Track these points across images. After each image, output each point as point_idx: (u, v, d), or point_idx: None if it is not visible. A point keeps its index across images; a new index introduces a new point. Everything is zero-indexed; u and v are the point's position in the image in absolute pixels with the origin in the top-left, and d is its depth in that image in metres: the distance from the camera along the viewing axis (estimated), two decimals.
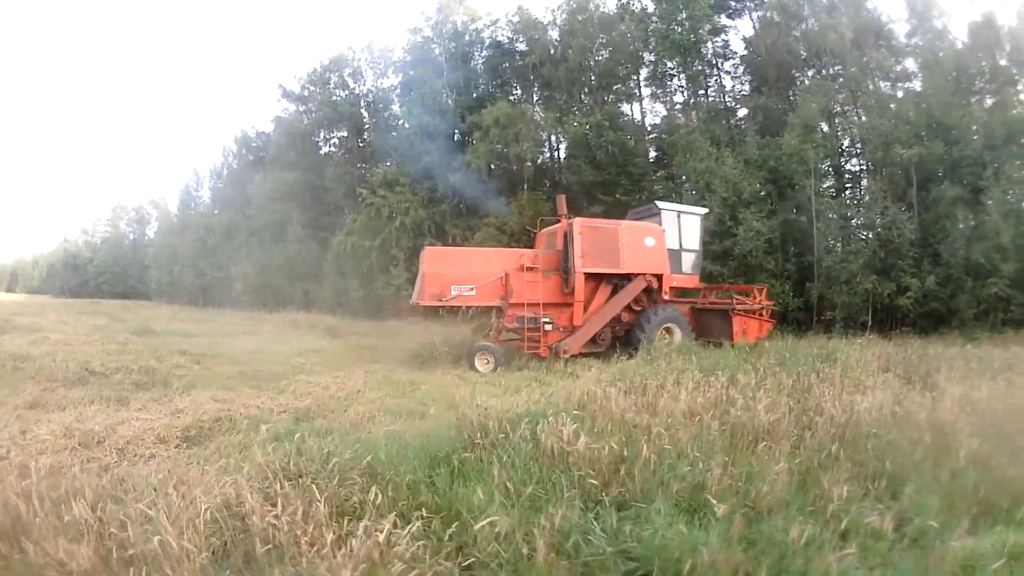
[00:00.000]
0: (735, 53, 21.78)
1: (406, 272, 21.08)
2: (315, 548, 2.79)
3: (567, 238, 11.61)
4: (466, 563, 2.86)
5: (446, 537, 2.93)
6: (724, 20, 21.20)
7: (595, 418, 4.83)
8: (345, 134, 31.10)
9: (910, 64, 17.74)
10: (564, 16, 24.29)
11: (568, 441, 3.97)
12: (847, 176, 17.59)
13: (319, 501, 3.15)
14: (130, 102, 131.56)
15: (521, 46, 25.68)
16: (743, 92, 21.47)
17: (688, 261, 12.92)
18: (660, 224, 12.47)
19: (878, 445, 4.38)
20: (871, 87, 17.82)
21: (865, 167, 17.29)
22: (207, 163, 77.21)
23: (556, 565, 2.80)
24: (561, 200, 12.62)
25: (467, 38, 26.48)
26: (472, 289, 11.20)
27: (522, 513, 3.15)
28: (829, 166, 17.07)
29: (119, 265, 63.53)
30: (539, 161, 25.06)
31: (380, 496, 3.23)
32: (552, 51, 24.02)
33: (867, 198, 16.81)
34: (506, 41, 26.19)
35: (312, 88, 31.38)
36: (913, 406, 5.41)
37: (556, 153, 25.31)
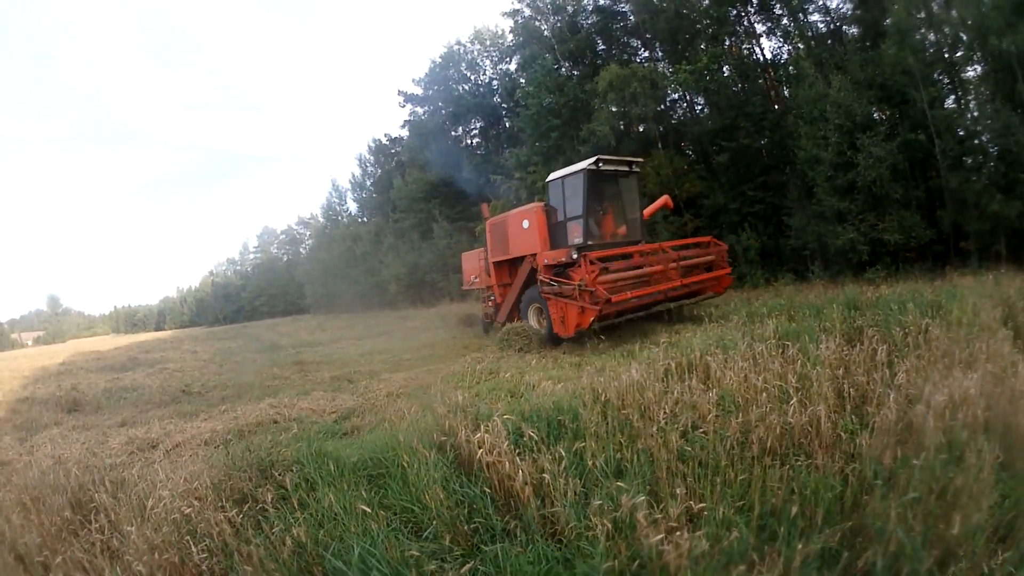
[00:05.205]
0: None
1: None
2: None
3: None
4: None
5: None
6: None
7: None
8: (482, 124, 36.69)
9: None
10: None
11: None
12: (958, 84, 17.48)
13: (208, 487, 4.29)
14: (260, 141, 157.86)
15: (624, 6, 29.07)
16: (844, 11, 22.38)
17: (571, 231, 12.94)
18: (548, 199, 13.81)
19: None
20: None
21: (974, 70, 17.17)
22: (345, 176, 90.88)
23: None
24: (484, 208, 17.33)
25: (569, 9, 30.50)
26: (477, 277, 16.93)
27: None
28: (941, 75, 17.18)
29: (274, 286, 75.59)
30: (675, 118, 28.08)
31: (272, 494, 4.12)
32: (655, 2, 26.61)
33: (972, 103, 16.86)
34: (607, 3, 29.61)
35: (435, 88, 37.53)
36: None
37: (693, 108, 27.88)
